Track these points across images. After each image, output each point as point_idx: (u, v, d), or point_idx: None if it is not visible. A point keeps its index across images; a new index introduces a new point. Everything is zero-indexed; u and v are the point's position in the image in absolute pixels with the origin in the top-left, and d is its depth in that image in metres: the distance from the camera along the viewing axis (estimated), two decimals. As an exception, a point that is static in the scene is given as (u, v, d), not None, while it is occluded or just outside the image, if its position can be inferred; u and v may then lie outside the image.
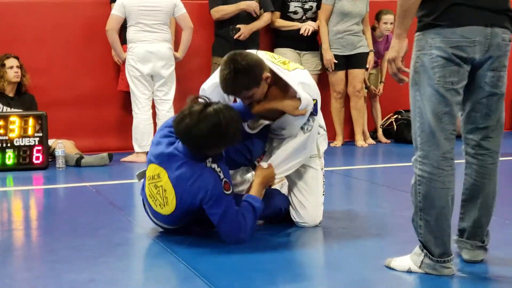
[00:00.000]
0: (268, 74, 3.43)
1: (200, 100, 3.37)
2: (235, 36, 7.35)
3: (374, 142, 8.07)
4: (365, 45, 7.81)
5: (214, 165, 3.35)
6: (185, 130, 3.24)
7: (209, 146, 3.28)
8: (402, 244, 3.35)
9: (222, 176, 3.33)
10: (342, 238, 3.49)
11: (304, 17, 7.89)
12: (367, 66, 7.87)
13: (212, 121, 3.23)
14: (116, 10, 6.73)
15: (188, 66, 7.75)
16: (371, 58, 7.90)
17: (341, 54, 7.73)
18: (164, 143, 3.40)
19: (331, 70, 7.78)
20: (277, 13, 7.81)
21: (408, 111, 8.28)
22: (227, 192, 3.30)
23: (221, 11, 7.51)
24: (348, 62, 7.78)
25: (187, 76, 7.69)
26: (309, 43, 8.00)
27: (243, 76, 3.37)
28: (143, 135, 6.72)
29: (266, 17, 7.66)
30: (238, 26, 7.38)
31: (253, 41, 7.68)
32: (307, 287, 2.77)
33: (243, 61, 3.38)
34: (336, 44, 7.73)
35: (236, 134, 3.32)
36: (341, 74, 7.83)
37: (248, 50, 3.64)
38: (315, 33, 8.04)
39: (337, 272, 2.99)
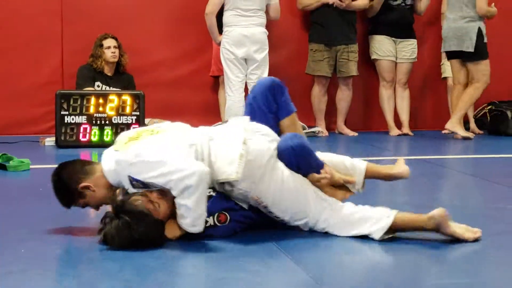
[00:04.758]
0: (86, 184, 3.18)
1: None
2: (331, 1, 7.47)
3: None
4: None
5: None
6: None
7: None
8: (495, 236, 3.31)
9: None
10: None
11: (403, 4, 7.82)
12: None
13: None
14: (216, -6, 6.85)
15: (285, 52, 7.83)
16: None
17: None
18: None
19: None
20: None
21: (502, 102, 8.11)
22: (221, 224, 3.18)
23: (301, 3, 7.64)
24: None
25: (284, 61, 7.77)
26: (406, 31, 7.95)
27: (59, 194, 3.26)
28: (236, 116, 6.84)
29: (364, 0, 7.68)
30: None
31: (351, 26, 7.71)
32: (393, 276, 2.79)
33: (54, 178, 3.24)
34: None
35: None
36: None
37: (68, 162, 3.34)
38: (412, 21, 7.97)
39: (424, 261, 2.99)
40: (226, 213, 3.19)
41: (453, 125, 7.42)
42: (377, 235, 3.17)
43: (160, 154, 3.06)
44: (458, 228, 3.18)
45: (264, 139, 3.30)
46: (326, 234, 3.23)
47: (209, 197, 3.17)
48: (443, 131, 7.76)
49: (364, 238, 3.19)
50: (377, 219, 3.19)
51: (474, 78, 7.40)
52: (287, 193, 3.19)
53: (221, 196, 3.22)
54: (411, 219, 3.22)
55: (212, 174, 3.13)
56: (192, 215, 3.03)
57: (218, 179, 3.15)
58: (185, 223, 3.06)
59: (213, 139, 3.24)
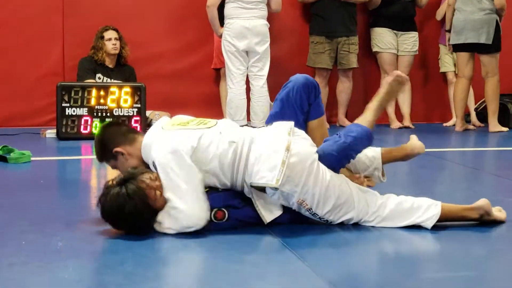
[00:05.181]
0: (120, 149, 3.27)
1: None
2: None
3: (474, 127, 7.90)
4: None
5: None
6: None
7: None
8: (494, 228, 3.31)
9: None
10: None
11: None
12: None
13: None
14: (217, -13, 6.85)
15: (285, 44, 7.82)
16: None
17: None
18: None
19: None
20: None
21: (502, 95, 8.10)
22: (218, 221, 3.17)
23: None
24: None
25: (285, 54, 7.76)
26: (407, 23, 7.94)
27: (98, 149, 3.39)
28: (237, 109, 6.85)
29: None
30: None
31: (351, 18, 7.70)
32: (394, 268, 2.81)
33: (97, 136, 3.41)
34: None
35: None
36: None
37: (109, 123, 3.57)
38: (414, 13, 7.97)
39: (423, 253, 3.00)
40: (225, 210, 3.17)
41: (496, 126, 7.49)
42: (430, 223, 3.21)
43: (184, 173, 3.08)
44: (497, 212, 3.34)
45: (305, 143, 3.28)
46: (330, 230, 3.22)
47: (216, 189, 3.22)
48: (494, 131, 7.53)
49: (361, 229, 3.21)
50: (426, 208, 3.23)
51: (490, 72, 7.38)
52: (331, 192, 3.16)
53: (226, 193, 3.21)
54: (455, 208, 3.31)
55: (246, 175, 3.14)
56: (167, 231, 3.10)
57: (255, 182, 3.11)
58: (161, 225, 3.11)
59: (254, 140, 3.21)
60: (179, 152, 3.10)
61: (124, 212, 3.01)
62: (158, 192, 3.07)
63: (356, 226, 3.27)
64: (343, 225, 3.27)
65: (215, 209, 3.14)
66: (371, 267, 2.80)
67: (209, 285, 2.51)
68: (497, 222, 3.32)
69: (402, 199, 3.29)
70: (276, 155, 3.10)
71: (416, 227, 3.22)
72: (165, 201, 3.10)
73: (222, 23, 6.94)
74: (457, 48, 7.51)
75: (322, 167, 3.19)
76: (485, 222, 3.31)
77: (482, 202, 3.32)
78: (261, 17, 6.88)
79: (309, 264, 2.73)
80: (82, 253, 2.88)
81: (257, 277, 2.61)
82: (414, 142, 3.69)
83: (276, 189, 3.08)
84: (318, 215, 3.20)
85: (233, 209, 3.19)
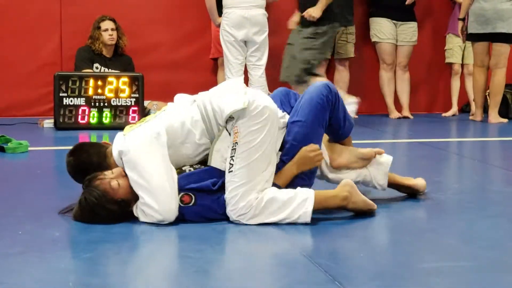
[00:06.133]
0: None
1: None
2: None
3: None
4: None
5: None
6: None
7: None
8: (493, 218, 3.32)
9: None
10: (431, 210, 3.47)
11: None
12: None
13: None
14: (215, -24, 6.81)
15: (284, 34, 7.78)
16: None
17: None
18: None
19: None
20: None
21: (506, 85, 8.08)
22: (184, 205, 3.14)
23: None
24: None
25: (283, 44, 7.72)
26: (406, 13, 7.89)
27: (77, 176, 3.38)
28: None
29: None
30: None
31: (349, 8, 7.66)
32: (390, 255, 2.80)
33: (75, 178, 3.38)
34: None
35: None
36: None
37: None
38: (413, 3, 7.93)
39: (422, 243, 2.99)
40: (192, 195, 3.12)
41: (497, 117, 7.44)
42: (306, 218, 3.11)
43: (152, 167, 3.08)
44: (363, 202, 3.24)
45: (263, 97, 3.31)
46: (324, 217, 3.21)
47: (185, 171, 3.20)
48: (494, 122, 7.46)
49: (359, 216, 3.20)
50: (299, 202, 3.12)
51: (500, 62, 7.31)
52: (255, 157, 3.09)
53: (197, 174, 3.18)
54: (325, 192, 3.24)
55: (218, 119, 3.19)
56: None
57: (225, 116, 3.13)
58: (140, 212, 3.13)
59: (212, 94, 3.31)
60: (146, 147, 3.11)
61: (91, 213, 3.07)
62: (114, 183, 3.08)
63: (351, 213, 3.26)
64: (337, 212, 3.26)
65: (182, 193, 3.11)
66: (367, 256, 2.78)
67: (205, 274, 2.50)
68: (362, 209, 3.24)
69: (277, 192, 3.16)
70: (236, 91, 3.23)
71: (414, 219, 3.21)
72: (128, 188, 3.09)
73: (220, 13, 6.91)
74: (477, 37, 7.38)
75: (266, 131, 3.14)
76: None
77: (346, 181, 3.27)
78: (260, 6, 6.85)
79: (306, 253, 2.73)
80: (79, 243, 2.87)
81: (252, 266, 2.61)
82: (419, 180, 3.71)
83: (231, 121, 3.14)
84: (231, 165, 3.10)
85: (201, 192, 3.12)
